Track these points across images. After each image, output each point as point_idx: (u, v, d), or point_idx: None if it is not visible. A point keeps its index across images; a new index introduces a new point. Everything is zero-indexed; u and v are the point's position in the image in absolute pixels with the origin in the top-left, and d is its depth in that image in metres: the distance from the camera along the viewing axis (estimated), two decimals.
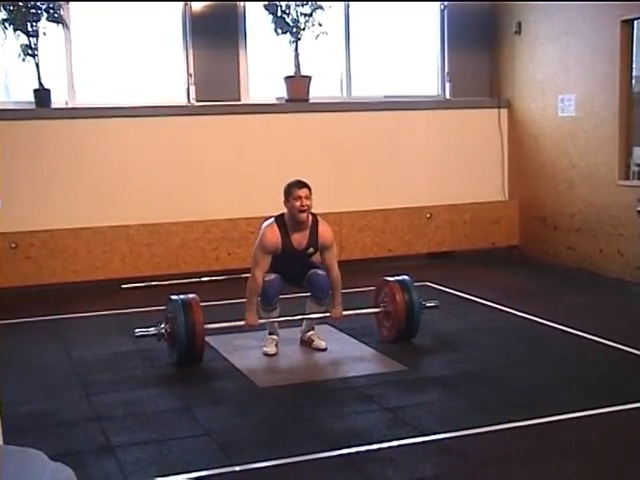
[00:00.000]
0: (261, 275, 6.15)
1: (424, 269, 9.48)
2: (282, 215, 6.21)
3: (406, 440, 4.62)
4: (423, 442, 4.61)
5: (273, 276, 6.19)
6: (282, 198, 6.17)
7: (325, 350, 6.41)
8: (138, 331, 6.13)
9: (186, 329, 5.86)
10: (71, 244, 8.68)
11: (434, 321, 7.27)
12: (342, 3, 9.70)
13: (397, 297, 6.40)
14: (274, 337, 6.43)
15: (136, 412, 5.18)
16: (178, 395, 5.48)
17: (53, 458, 2.58)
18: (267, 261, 6.16)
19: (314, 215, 6.26)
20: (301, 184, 6.14)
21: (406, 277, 6.62)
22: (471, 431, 4.73)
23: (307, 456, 4.46)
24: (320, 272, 6.30)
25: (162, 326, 6.06)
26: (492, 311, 7.60)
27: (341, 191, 9.47)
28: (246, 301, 6.24)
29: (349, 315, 6.53)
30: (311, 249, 6.24)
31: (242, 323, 6.29)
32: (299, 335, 6.63)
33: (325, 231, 6.26)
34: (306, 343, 6.54)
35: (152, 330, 6.08)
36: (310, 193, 6.12)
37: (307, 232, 6.19)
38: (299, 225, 6.14)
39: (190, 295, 6.12)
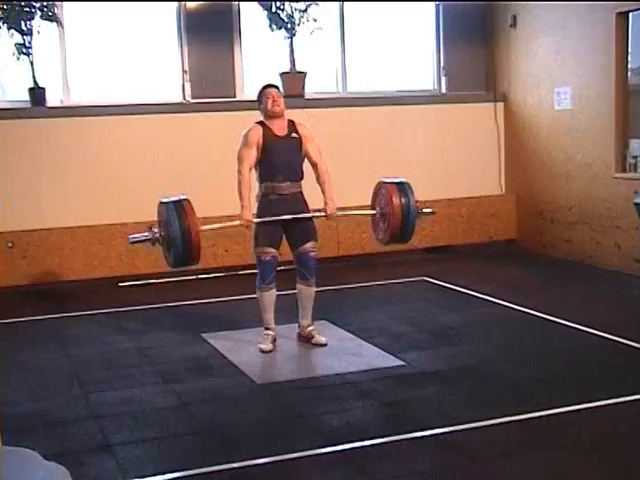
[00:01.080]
0: (248, 168, 6.24)
1: (422, 264, 9.49)
2: (261, 121, 6.40)
3: (404, 435, 4.61)
4: (421, 437, 4.60)
5: (269, 256, 6.23)
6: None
7: (325, 345, 6.41)
8: (132, 237, 6.10)
9: (181, 230, 5.83)
10: (68, 243, 8.67)
11: (432, 316, 7.29)
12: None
13: (394, 200, 6.38)
14: (270, 333, 6.41)
15: (134, 410, 5.17)
16: (176, 392, 5.46)
17: (51, 457, 2.58)
18: (252, 154, 6.24)
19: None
20: (271, 85, 6.46)
21: (404, 180, 6.58)
22: (469, 425, 4.73)
23: (305, 452, 4.45)
24: (311, 253, 6.35)
25: (156, 231, 6.04)
26: (490, 305, 7.59)
27: (337, 186, 9.31)
28: (239, 198, 6.24)
29: (343, 215, 6.51)
30: (294, 134, 6.34)
31: (237, 223, 6.27)
32: (297, 330, 6.62)
33: (302, 124, 6.44)
34: (305, 339, 6.52)
35: (146, 235, 6.04)
36: (280, 93, 6.39)
37: (285, 123, 6.37)
38: (275, 116, 6.32)
39: (181, 196, 6.08)
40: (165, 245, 6.04)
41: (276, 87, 6.48)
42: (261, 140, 6.23)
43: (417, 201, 6.46)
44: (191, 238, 5.88)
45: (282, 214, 6.24)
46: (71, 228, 8.68)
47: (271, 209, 6.25)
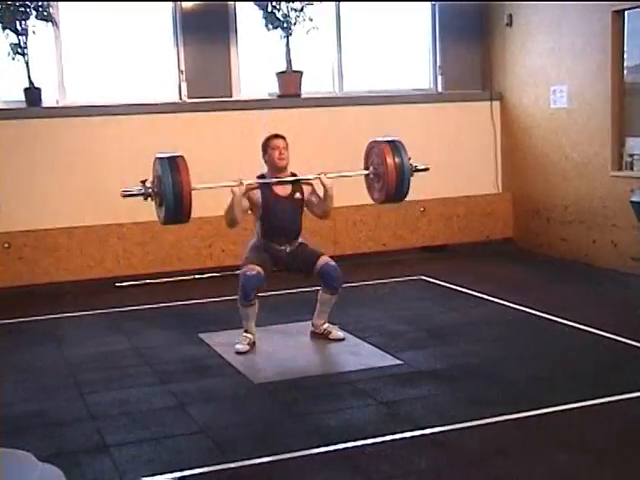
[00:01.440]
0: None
1: (418, 263, 9.49)
2: (262, 175, 6.39)
3: (401, 434, 4.61)
4: (418, 436, 4.60)
5: (254, 272, 6.20)
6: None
7: (343, 339, 6.47)
8: (125, 190, 6.08)
9: (173, 187, 5.83)
10: (64, 243, 8.66)
11: (429, 315, 7.28)
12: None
13: (387, 159, 6.35)
14: (249, 335, 6.39)
15: (131, 410, 5.17)
16: (173, 393, 5.46)
17: (47, 458, 2.57)
18: (245, 204, 6.23)
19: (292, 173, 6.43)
20: (278, 136, 6.38)
21: (396, 139, 6.55)
22: (467, 424, 4.72)
23: (302, 452, 4.44)
24: (331, 263, 6.36)
25: (149, 185, 6.04)
26: (487, 304, 7.59)
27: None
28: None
29: (337, 177, 6.45)
30: (297, 194, 6.34)
31: (230, 184, 6.23)
32: (310, 328, 6.65)
33: (305, 182, 6.41)
34: (321, 336, 6.56)
35: (139, 188, 6.04)
36: (287, 145, 6.32)
37: (288, 176, 6.35)
38: (279, 172, 6.30)
39: (176, 154, 6.08)
40: (157, 201, 6.04)
41: (283, 138, 6.39)
42: (260, 200, 6.25)
43: (409, 158, 6.43)
44: (182, 194, 5.87)
45: (279, 257, 6.33)
46: (67, 228, 8.67)
47: (268, 254, 6.33)
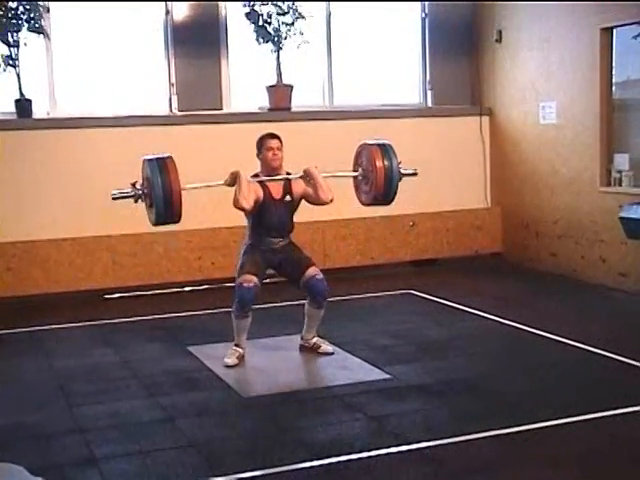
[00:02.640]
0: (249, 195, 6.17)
1: (407, 277, 9.51)
2: (256, 174, 6.38)
3: (390, 449, 4.61)
4: (407, 451, 4.60)
5: (252, 283, 6.20)
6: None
7: (332, 354, 6.47)
8: (115, 192, 6.07)
9: (163, 187, 5.84)
10: (53, 254, 8.65)
11: (418, 329, 7.29)
12: (324, 13, 9.72)
13: (377, 162, 6.36)
14: (238, 349, 6.39)
15: (120, 423, 5.16)
16: (162, 406, 5.45)
17: (35, 471, 2.57)
18: (253, 195, 6.20)
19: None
20: (273, 135, 6.39)
21: (386, 142, 6.56)
22: (455, 439, 4.73)
23: (291, 466, 4.44)
24: (318, 276, 6.35)
25: (139, 187, 6.03)
26: (476, 319, 7.61)
27: None
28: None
29: (325, 176, 6.42)
30: (287, 197, 6.34)
31: (221, 182, 6.29)
32: (299, 342, 6.66)
33: (296, 179, 6.40)
34: (310, 349, 6.56)
35: (129, 191, 6.04)
36: (281, 145, 6.35)
37: (280, 185, 6.36)
38: (272, 171, 6.32)
39: (165, 155, 6.08)
40: (147, 202, 6.05)
41: (277, 137, 6.40)
42: (261, 196, 6.25)
43: (400, 162, 6.44)
44: (172, 195, 5.88)
45: (272, 258, 6.34)
46: (56, 240, 8.65)
47: (261, 253, 6.32)
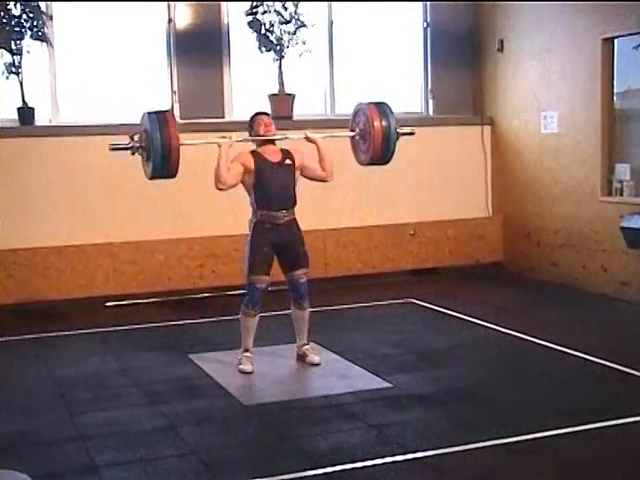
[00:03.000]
0: (228, 175, 6.18)
1: (408, 286, 9.51)
2: (253, 150, 6.41)
3: (390, 458, 4.61)
4: (407, 460, 4.60)
5: (264, 284, 6.27)
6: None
7: (318, 365, 6.44)
8: (112, 144, 6.08)
9: (162, 141, 5.84)
10: (54, 262, 8.65)
11: (419, 338, 7.30)
12: (326, 22, 9.75)
13: (375, 122, 6.37)
14: (249, 355, 6.42)
15: (120, 431, 5.16)
16: (163, 414, 5.45)
17: (37, 479, 2.58)
18: (236, 168, 6.20)
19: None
20: (262, 113, 6.52)
21: (383, 102, 6.57)
22: (455, 449, 4.73)
23: (291, 474, 4.44)
24: (302, 280, 6.40)
25: (137, 139, 6.03)
26: (477, 328, 7.61)
27: (325, 208, 9.48)
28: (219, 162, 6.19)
29: (322, 137, 6.49)
30: (287, 160, 6.35)
31: (217, 140, 6.26)
32: (295, 350, 6.65)
33: (297, 150, 6.44)
34: (300, 358, 6.57)
35: (127, 143, 6.04)
36: (271, 122, 6.42)
37: (278, 150, 6.38)
38: (266, 142, 6.34)
39: (165, 109, 6.08)
40: (145, 155, 6.04)
41: (267, 114, 6.52)
42: (252, 165, 6.23)
43: (397, 121, 6.46)
44: (170, 149, 5.89)
45: (277, 242, 6.30)
46: (57, 247, 8.66)
47: (266, 236, 6.29)
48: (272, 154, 6.32)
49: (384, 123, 6.39)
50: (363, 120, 6.51)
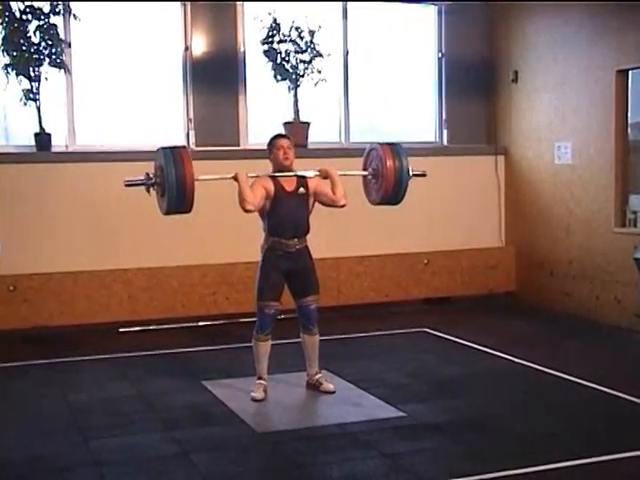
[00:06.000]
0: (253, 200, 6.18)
1: (421, 315, 9.51)
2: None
3: None
4: None
5: (273, 310, 6.31)
6: None
7: (333, 393, 6.45)
8: (127, 180, 6.10)
9: (177, 177, 5.85)
10: (69, 287, 8.69)
11: (432, 367, 7.29)
12: (341, 51, 9.82)
13: (387, 162, 6.41)
14: (262, 382, 6.43)
15: (135, 457, 5.17)
16: (177, 440, 5.46)
17: None
18: (259, 191, 6.22)
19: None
20: (283, 136, 6.54)
21: (396, 143, 6.63)
22: (469, 479, 4.72)
23: None
24: (312, 307, 6.43)
25: (152, 176, 6.05)
26: (490, 358, 7.60)
27: (338, 236, 9.51)
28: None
29: (339, 175, 6.47)
30: (301, 189, 6.37)
31: (232, 174, 6.27)
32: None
33: (311, 179, 6.43)
34: (313, 387, 6.56)
35: (142, 178, 6.06)
36: (291, 145, 6.40)
37: (294, 179, 6.38)
38: (284, 170, 6.34)
39: (180, 145, 6.10)
40: (160, 191, 6.07)
41: (287, 137, 6.51)
42: (272, 191, 6.27)
43: (408, 162, 6.50)
44: (186, 184, 5.90)
45: (287, 269, 6.33)
46: (73, 273, 8.70)
47: (277, 263, 6.33)
48: (288, 182, 6.35)
49: (397, 164, 6.44)
50: (376, 161, 6.57)
